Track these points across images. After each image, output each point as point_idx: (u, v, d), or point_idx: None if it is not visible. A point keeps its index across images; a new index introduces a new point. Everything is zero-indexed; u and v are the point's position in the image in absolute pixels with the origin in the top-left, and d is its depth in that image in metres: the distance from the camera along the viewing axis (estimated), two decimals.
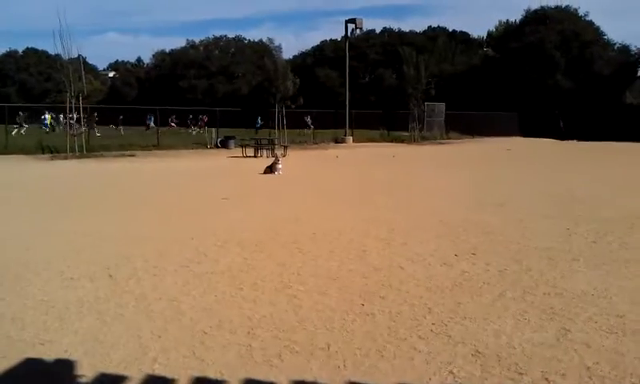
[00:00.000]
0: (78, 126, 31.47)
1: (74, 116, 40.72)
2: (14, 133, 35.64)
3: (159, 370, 3.73)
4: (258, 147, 25.58)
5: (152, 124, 43.53)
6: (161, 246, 7.18)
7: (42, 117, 45.14)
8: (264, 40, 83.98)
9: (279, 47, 34.64)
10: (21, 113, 42.54)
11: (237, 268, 6.19)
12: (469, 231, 8.27)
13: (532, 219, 9.27)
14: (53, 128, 42.65)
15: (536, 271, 6.07)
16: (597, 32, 56.13)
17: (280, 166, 17.11)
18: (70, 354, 3.95)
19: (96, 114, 43.35)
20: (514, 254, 6.83)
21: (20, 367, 3.80)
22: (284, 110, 33.30)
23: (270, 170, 16.97)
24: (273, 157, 19.44)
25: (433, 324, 4.53)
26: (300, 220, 9.23)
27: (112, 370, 3.74)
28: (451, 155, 27.27)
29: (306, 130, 41.37)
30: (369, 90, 68.61)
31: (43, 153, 24.14)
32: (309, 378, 3.64)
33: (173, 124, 46.27)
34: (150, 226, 8.73)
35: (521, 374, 3.66)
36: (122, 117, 45.31)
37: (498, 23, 71.54)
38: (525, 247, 7.22)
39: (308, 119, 43.40)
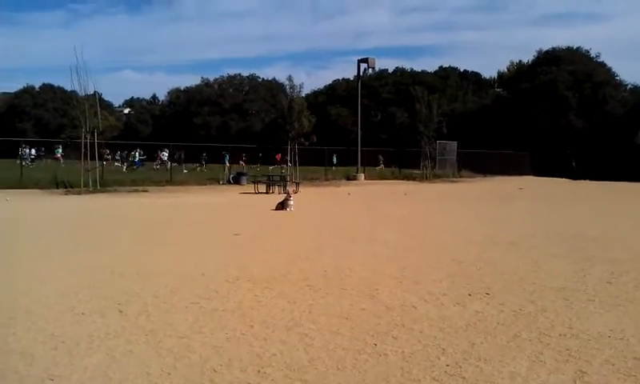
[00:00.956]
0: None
1: (165, 153, 42.10)
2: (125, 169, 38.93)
3: None
4: (269, 184, 25.67)
5: (226, 162, 44.33)
6: (172, 282, 7.15)
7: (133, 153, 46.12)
8: (277, 78, 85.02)
9: (301, 86, 34.67)
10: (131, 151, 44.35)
11: (247, 305, 6.14)
12: (482, 270, 8.19)
13: (546, 259, 9.17)
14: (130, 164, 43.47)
15: (551, 312, 5.97)
16: (609, 73, 56.41)
17: (292, 202, 17.11)
18: None
19: (183, 152, 44.74)
20: (528, 294, 6.74)
21: None
22: (297, 148, 33.49)
23: (282, 206, 16.98)
24: (285, 193, 19.45)
25: (447, 365, 4.45)
26: (311, 257, 9.19)
27: None
28: (463, 193, 27.18)
29: (380, 168, 42.27)
30: (380, 128, 69.07)
31: (57, 187, 24.32)
32: None
33: (242, 162, 46.55)
34: (162, 261, 8.72)
35: None
36: (205, 154, 45.32)
37: (509, 63, 71.91)
38: (539, 287, 7.12)
39: (380, 157, 44.18)
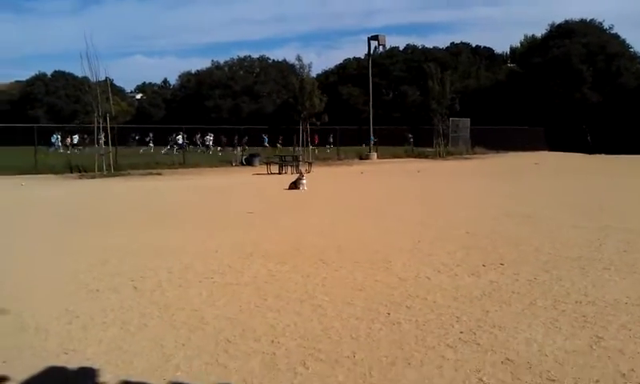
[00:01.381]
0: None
1: (209, 137, 41.75)
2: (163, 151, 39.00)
3: (182, 378, 3.68)
4: (282, 164, 25.64)
5: (266, 143, 44.83)
6: (186, 259, 7.17)
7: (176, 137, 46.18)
8: (288, 59, 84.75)
9: (310, 65, 34.41)
10: (174, 135, 44.65)
11: (261, 279, 6.15)
12: (496, 242, 8.13)
13: (561, 230, 9.09)
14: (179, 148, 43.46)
15: (567, 280, 5.92)
16: (623, 45, 55.56)
17: (304, 181, 17.07)
18: (93, 363, 3.92)
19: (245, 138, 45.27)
20: (543, 264, 6.68)
21: (42, 376, 3.78)
22: (309, 128, 33.38)
23: (295, 185, 16.95)
24: (297, 173, 19.42)
25: (461, 332, 4.43)
26: (324, 233, 9.17)
27: (135, 378, 3.71)
28: (477, 169, 27.01)
29: (406, 146, 41.87)
30: (392, 107, 68.71)
31: (72, 172, 24.46)
32: None
33: (279, 144, 46.72)
34: (176, 239, 8.73)
35: (553, 381, 3.55)
36: (246, 137, 45.28)
37: (523, 37, 70.61)
38: (554, 257, 7.06)
39: (409, 135, 43.72)
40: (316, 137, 43.65)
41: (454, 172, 25.59)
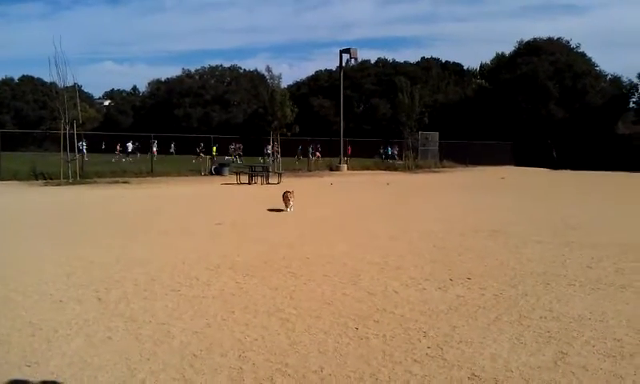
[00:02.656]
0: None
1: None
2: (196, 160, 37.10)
3: None
4: (252, 174, 25.55)
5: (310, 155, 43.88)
6: (152, 271, 7.08)
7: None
8: (259, 69, 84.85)
9: (279, 76, 34.41)
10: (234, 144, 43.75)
11: (229, 292, 6.11)
12: (464, 256, 8.22)
13: (527, 245, 9.22)
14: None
15: (532, 295, 6.01)
16: (589, 63, 56.72)
17: (292, 202, 14.52)
18: (56, 376, 3.85)
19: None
20: (509, 279, 6.77)
21: None
22: (279, 138, 33.36)
23: (284, 199, 14.54)
24: (266, 183, 19.17)
25: (428, 347, 4.45)
26: (293, 245, 9.15)
27: None
28: (445, 183, 27.27)
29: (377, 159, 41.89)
30: (363, 119, 69.19)
31: (37, 179, 24.02)
32: None
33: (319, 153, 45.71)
34: (142, 251, 8.63)
35: None
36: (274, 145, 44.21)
37: (495, 55, 71.20)
38: (520, 272, 7.17)
39: (395, 148, 43.58)
40: (349, 148, 43.37)
41: (422, 185, 25.80)
